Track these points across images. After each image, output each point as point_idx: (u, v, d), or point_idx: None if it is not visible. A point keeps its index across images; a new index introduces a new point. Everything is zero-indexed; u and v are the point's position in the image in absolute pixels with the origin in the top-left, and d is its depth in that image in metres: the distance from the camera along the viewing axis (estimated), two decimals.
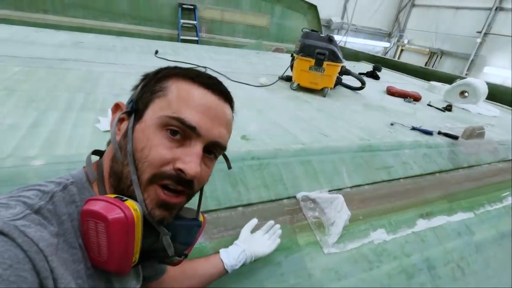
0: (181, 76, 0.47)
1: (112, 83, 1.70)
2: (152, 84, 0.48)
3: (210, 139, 0.45)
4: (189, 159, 0.43)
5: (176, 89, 0.46)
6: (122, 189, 0.44)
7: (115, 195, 0.42)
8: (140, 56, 2.51)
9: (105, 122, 1.14)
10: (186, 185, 0.44)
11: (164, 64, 2.35)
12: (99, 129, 1.10)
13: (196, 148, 0.44)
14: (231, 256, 0.76)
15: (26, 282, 0.30)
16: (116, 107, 0.50)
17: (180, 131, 0.43)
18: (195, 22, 4.77)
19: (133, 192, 0.42)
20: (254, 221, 0.92)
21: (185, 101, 0.44)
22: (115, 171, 0.45)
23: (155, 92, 0.46)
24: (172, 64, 2.38)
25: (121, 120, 0.48)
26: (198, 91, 0.46)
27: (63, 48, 2.36)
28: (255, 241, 0.85)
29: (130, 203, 0.40)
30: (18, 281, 0.30)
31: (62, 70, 1.79)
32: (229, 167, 0.59)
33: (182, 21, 4.67)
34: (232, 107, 0.51)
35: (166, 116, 0.43)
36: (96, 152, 0.52)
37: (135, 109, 0.47)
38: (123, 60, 2.27)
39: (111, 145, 0.47)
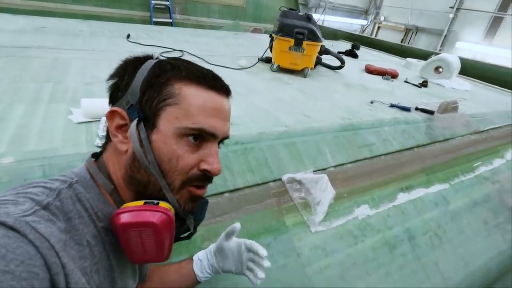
0: (187, 79, 0.47)
1: (83, 71, 1.60)
2: (156, 89, 0.45)
3: (222, 136, 0.50)
4: (211, 160, 0.47)
5: (187, 96, 0.46)
6: (151, 194, 0.46)
7: (143, 201, 0.45)
8: (110, 41, 2.37)
9: (78, 113, 1.08)
10: (209, 180, 0.50)
11: (137, 49, 2.24)
12: (72, 121, 1.04)
13: (214, 148, 0.49)
14: (204, 269, 0.69)
15: (38, 278, 0.31)
16: (113, 113, 0.46)
17: (199, 137, 0.47)
18: (167, 2, 4.53)
19: (164, 195, 0.46)
20: (236, 228, 0.68)
21: (199, 109, 0.46)
22: (139, 179, 0.46)
23: (163, 100, 0.45)
24: (147, 49, 2.24)
25: (122, 127, 0.46)
26: (208, 96, 0.48)
27: (23, 34, 2.18)
28: (231, 255, 0.68)
29: (164, 204, 0.45)
30: (29, 277, 0.30)
31: (24, 58, 1.66)
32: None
33: (153, 2, 4.43)
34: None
35: (186, 127, 0.45)
36: (93, 154, 0.52)
37: (143, 117, 0.45)
38: (92, 46, 2.13)
39: (116, 153, 0.47)
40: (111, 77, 0.49)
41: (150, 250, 0.44)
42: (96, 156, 0.51)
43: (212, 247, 0.71)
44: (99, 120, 1.03)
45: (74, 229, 0.39)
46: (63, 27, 2.62)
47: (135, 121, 0.45)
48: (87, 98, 1.13)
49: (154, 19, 4.48)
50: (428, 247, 1.24)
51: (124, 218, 0.42)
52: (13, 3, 3.67)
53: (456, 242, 1.32)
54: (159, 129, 0.45)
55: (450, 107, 1.86)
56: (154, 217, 0.42)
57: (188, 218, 0.52)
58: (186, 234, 0.55)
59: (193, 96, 0.46)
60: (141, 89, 0.45)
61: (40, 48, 1.90)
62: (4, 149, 0.84)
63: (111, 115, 0.47)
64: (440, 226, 1.33)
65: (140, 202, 0.44)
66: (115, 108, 0.46)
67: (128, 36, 2.55)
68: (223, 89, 0.50)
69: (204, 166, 0.47)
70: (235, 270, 0.68)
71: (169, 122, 0.45)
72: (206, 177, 0.48)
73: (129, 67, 0.48)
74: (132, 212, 0.42)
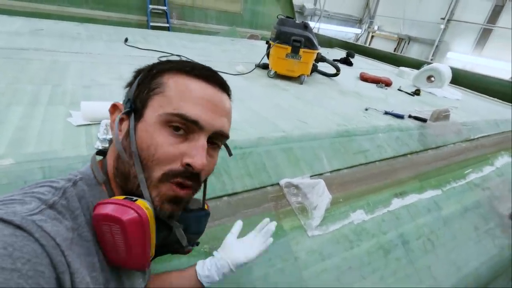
0: (176, 70, 0.46)
1: (81, 74, 1.60)
2: (147, 81, 0.47)
3: (213, 130, 0.46)
4: (195, 153, 0.43)
5: (173, 84, 0.45)
6: (131, 189, 0.44)
7: (124, 196, 0.43)
8: (108, 45, 2.37)
9: (78, 116, 1.08)
10: (194, 178, 0.45)
11: (135, 52, 2.25)
12: (71, 123, 1.04)
13: (200, 141, 0.44)
14: (206, 267, 0.69)
15: (44, 277, 0.31)
16: (114, 107, 0.49)
17: (182, 126, 0.44)
18: (165, 7, 4.55)
19: (141, 192, 0.43)
20: (238, 225, 0.77)
21: (184, 96, 0.44)
22: (122, 171, 0.45)
23: (151, 90, 0.45)
24: (145, 53, 2.26)
25: (121, 121, 0.48)
26: (195, 84, 0.46)
27: (20, 36, 2.17)
28: (237, 246, 0.72)
29: (141, 202, 0.41)
30: (35, 275, 0.30)
31: (22, 60, 1.65)
32: (230, 154, 0.59)
33: (151, 6, 4.44)
34: (229, 96, 0.51)
35: (167, 113, 0.43)
36: (99, 153, 0.52)
37: (134, 108, 0.46)
38: (90, 49, 2.13)
39: (114, 146, 0.48)
40: (127, 85, 0.51)
41: (121, 251, 0.41)
42: (103, 154, 0.52)
43: (215, 251, 0.73)
44: (99, 123, 1.03)
45: (81, 226, 0.40)
46: (59, 29, 2.62)
47: (121, 113, 0.46)
48: (85, 101, 1.14)
49: (151, 24, 4.49)
50: (421, 252, 1.26)
51: (98, 209, 0.40)
52: (10, 5, 3.65)
53: (448, 247, 1.35)
54: (144, 118, 0.44)
55: (442, 115, 1.91)
56: (122, 213, 0.39)
57: (175, 225, 0.48)
58: (184, 248, 0.51)
59: (180, 83, 0.45)
60: (137, 84, 0.48)
61: (37, 50, 1.89)
62: (3, 151, 0.84)
63: (112, 109, 0.49)
64: (432, 231, 1.36)
65: (121, 197, 0.42)
66: (115, 102, 0.49)
67: (126, 40, 2.56)
68: (215, 81, 0.48)
69: (186, 159, 0.43)
70: (245, 258, 0.70)
71: (153, 110, 0.44)
72: (190, 173, 0.44)
73: (139, 73, 0.50)
74: (107, 204, 0.40)
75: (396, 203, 1.35)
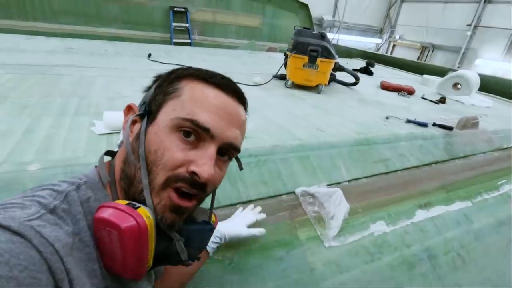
0: (194, 76, 0.46)
1: (106, 87, 1.69)
2: (165, 86, 0.47)
3: (224, 140, 0.44)
4: (203, 162, 0.42)
5: (189, 90, 0.45)
6: (134, 194, 0.43)
7: (127, 202, 0.41)
8: (133, 60, 2.50)
9: (100, 125, 1.14)
10: (199, 188, 0.43)
11: (157, 67, 2.35)
12: (94, 132, 1.10)
13: (210, 150, 0.43)
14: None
15: (41, 284, 0.30)
16: (128, 108, 0.49)
17: (193, 132, 0.43)
18: (187, 24, 4.77)
19: (144, 199, 0.42)
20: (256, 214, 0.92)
21: (198, 102, 0.43)
22: (127, 174, 0.44)
23: (168, 94, 0.45)
24: (167, 66, 2.36)
25: (133, 122, 0.47)
26: (212, 92, 0.45)
27: (54, 55, 2.35)
28: (232, 220, 0.85)
29: (142, 210, 0.40)
30: (33, 283, 0.29)
31: (54, 76, 1.78)
32: (241, 168, 0.58)
33: (174, 24, 4.67)
34: (245, 108, 0.51)
35: (180, 118, 0.42)
36: (108, 153, 0.52)
37: (148, 111, 0.46)
38: (116, 64, 2.26)
39: (123, 147, 0.47)
40: (146, 89, 0.52)
41: (117, 258, 0.39)
42: (112, 155, 0.52)
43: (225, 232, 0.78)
44: (119, 132, 1.08)
45: (82, 231, 0.39)
46: (90, 47, 2.81)
47: (133, 115, 0.47)
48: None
49: (174, 40, 4.71)
50: (451, 268, 1.17)
51: (99, 212, 0.39)
52: (48, 27, 3.99)
53: (481, 263, 1.24)
54: (156, 121, 0.44)
55: (470, 123, 1.81)
56: (121, 220, 0.38)
57: (175, 238, 0.45)
58: (183, 261, 0.48)
59: (196, 89, 0.45)
60: (155, 87, 0.48)
61: (68, 66, 2.03)
62: (32, 157, 0.89)
63: (126, 111, 0.49)
64: (463, 246, 1.26)
65: (125, 202, 0.41)
66: (130, 104, 0.49)
67: (149, 55, 2.69)
68: (233, 91, 0.47)
69: (192, 167, 0.41)
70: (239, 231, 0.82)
71: (166, 114, 0.43)
72: (194, 182, 0.42)
73: (158, 78, 0.51)
74: (108, 208, 0.39)
75: (421, 214, 1.27)
